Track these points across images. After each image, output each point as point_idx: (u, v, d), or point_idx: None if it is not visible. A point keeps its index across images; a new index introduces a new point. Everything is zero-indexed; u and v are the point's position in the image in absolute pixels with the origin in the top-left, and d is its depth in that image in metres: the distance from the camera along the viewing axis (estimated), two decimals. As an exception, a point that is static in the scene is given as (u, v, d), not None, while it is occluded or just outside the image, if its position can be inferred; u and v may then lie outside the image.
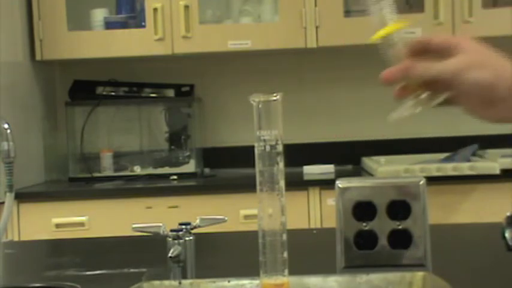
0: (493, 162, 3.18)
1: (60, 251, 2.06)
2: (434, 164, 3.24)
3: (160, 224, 1.36)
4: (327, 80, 3.64)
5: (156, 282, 1.34)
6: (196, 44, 3.46)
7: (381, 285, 1.31)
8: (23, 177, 3.26)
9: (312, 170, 3.45)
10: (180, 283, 1.33)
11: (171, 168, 3.60)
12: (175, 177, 3.50)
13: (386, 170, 3.16)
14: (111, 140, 3.68)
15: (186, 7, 3.45)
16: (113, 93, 3.63)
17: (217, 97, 3.80)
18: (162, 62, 3.74)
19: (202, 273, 1.37)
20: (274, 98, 1.14)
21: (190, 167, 3.60)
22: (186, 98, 3.66)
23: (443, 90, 1.10)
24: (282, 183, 1.14)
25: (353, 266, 1.37)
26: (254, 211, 1.18)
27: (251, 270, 1.23)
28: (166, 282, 1.34)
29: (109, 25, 3.57)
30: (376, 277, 1.32)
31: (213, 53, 3.56)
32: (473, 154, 3.41)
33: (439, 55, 1.12)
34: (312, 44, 3.44)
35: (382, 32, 1.10)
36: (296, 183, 3.22)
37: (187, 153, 3.64)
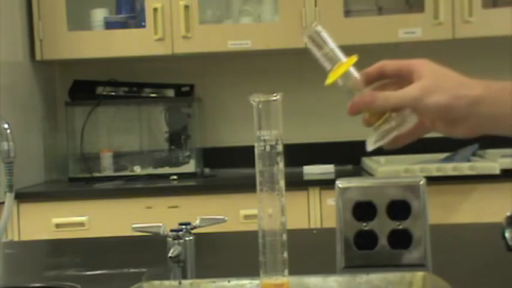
0: (493, 162, 3.18)
1: (60, 251, 2.06)
2: (434, 164, 3.24)
3: (160, 224, 1.36)
4: (327, 80, 3.64)
5: (156, 282, 1.34)
6: (196, 44, 3.47)
7: (380, 285, 1.31)
8: (23, 177, 3.26)
9: (312, 170, 3.45)
10: (180, 283, 1.33)
11: (171, 168, 3.60)
12: (175, 177, 3.50)
13: (386, 170, 3.16)
14: (111, 140, 3.69)
15: (186, 7, 3.45)
16: (113, 93, 3.63)
17: (217, 97, 3.80)
18: (162, 62, 3.74)
19: (202, 273, 1.37)
20: (274, 98, 1.14)
21: (190, 167, 3.60)
22: (186, 98, 3.66)
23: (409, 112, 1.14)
24: (282, 183, 1.14)
25: (353, 266, 1.37)
26: (254, 211, 1.18)
27: (251, 270, 1.23)
28: (166, 282, 1.34)
29: (109, 25, 3.57)
30: (376, 277, 1.32)
31: (213, 53, 3.56)
32: (473, 154, 3.41)
33: (397, 80, 1.16)
34: (312, 44, 3.44)
35: (335, 74, 1.13)
36: (296, 183, 3.22)
37: (187, 153, 3.64)
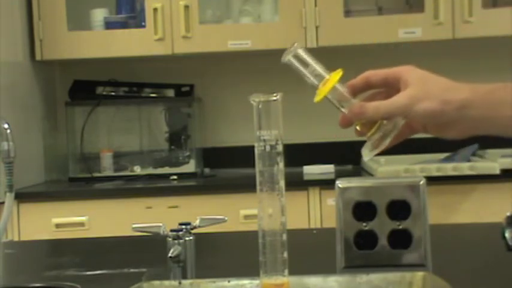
0: (493, 162, 3.18)
1: (60, 251, 2.06)
2: (434, 164, 3.24)
3: (160, 224, 1.36)
4: (327, 80, 3.63)
5: (156, 282, 1.34)
6: (196, 44, 3.46)
7: (381, 285, 1.31)
8: (23, 177, 3.26)
9: (312, 170, 3.45)
10: (180, 283, 1.33)
11: (171, 168, 3.60)
12: (175, 177, 3.50)
13: (386, 170, 3.16)
14: (111, 140, 3.69)
15: (186, 7, 3.45)
16: (113, 93, 3.63)
17: (217, 97, 3.80)
18: (162, 62, 3.74)
19: (202, 273, 1.37)
20: (274, 98, 1.14)
21: (190, 167, 3.60)
22: (186, 98, 3.66)
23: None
24: (282, 183, 1.14)
25: (353, 266, 1.37)
26: (254, 211, 1.18)
27: (251, 270, 1.23)
28: (166, 282, 1.34)
29: (109, 25, 3.57)
30: (376, 277, 1.32)
31: (213, 53, 3.56)
32: (473, 154, 3.41)
33: (384, 89, 1.17)
34: (312, 44, 3.44)
35: (322, 92, 1.15)
36: (296, 183, 3.22)
37: (187, 153, 3.64)
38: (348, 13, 3.53)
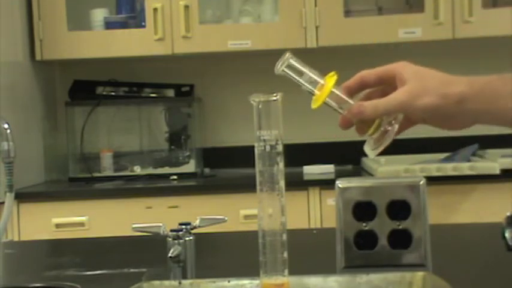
0: (493, 162, 3.18)
1: (60, 251, 2.06)
2: (434, 164, 3.24)
3: (160, 224, 1.36)
4: (327, 80, 3.63)
5: (156, 282, 1.34)
6: (196, 44, 3.47)
7: (381, 285, 1.31)
8: (23, 177, 3.26)
9: (312, 170, 3.45)
10: (180, 283, 1.33)
11: (171, 168, 3.60)
12: (175, 177, 3.50)
13: (386, 170, 3.16)
14: (111, 140, 3.69)
15: (186, 7, 3.45)
16: (113, 93, 3.63)
17: (217, 97, 3.80)
18: (162, 62, 3.74)
19: (202, 273, 1.37)
20: (274, 98, 1.14)
21: (190, 167, 3.60)
22: (186, 98, 3.66)
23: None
24: (282, 183, 1.14)
25: (353, 266, 1.37)
26: (254, 211, 1.18)
27: (251, 270, 1.23)
28: (166, 282, 1.34)
29: (109, 25, 3.57)
30: (376, 277, 1.32)
31: (213, 53, 3.56)
32: (473, 154, 3.41)
33: (380, 87, 1.18)
34: (312, 44, 3.44)
35: (319, 98, 1.16)
36: (296, 183, 3.22)
37: (187, 153, 3.64)
38: (348, 13, 3.53)
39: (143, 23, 3.51)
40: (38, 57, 3.51)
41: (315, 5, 3.44)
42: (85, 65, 3.74)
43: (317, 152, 3.65)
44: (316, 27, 3.44)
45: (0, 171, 1.46)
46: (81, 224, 3.22)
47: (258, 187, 1.14)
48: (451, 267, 1.47)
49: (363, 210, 1.37)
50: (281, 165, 1.14)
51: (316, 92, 1.16)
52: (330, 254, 1.40)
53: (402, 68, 1.16)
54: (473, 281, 1.43)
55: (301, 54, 3.87)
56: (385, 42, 3.45)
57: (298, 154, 3.36)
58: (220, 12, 3.63)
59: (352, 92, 1.18)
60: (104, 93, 3.61)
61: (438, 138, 3.68)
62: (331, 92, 1.16)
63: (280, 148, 1.14)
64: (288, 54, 1.17)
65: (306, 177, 3.37)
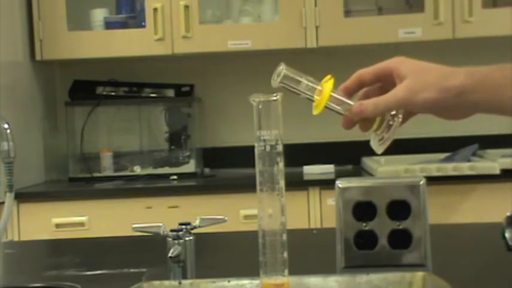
0: (493, 162, 3.18)
1: (60, 251, 2.06)
2: (434, 164, 3.24)
3: (160, 224, 1.36)
4: (327, 80, 3.63)
5: (156, 282, 1.34)
6: (196, 44, 3.46)
7: (381, 285, 1.31)
8: (23, 177, 3.26)
9: (312, 170, 3.45)
10: (180, 283, 1.33)
11: (171, 168, 3.60)
12: (175, 177, 3.50)
13: (386, 170, 3.16)
14: (111, 140, 3.68)
15: (186, 7, 3.45)
16: (113, 93, 3.63)
17: (217, 97, 3.80)
18: (162, 62, 3.74)
19: (202, 273, 1.37)
20: (274, 98, 1.14)
21: (190, 167, 3.60)
22: (186, 98, 3.66)
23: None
24: (282, 183, 1.14)
25: (353, 266, 1.37)
26: (254, 211, 1.18)
27: (251, 270, 1.23)
28: (166, 282, 1.34)
29: (109, 25, 3.57)
30: (376, 277, 1.32)
31: (213, 53, 3.56)
32: (473, 154, 3.41)
33: (378, 85, 1.19)
34: (312, 44, 3.44)
35: (320, 103, 1.17)
36: (296, 183, 3.22)
37: (187, 153, 3.64)
38: (348, 13, 3.53)
39: (143, 23, 3.51)
40: (38, 57, 3.51)
41: (315, 5, 3.44)
42: (85, 65, 3.74)
43: (317, 152, 3.65)
44: (316, 27, 3.44)
45: (0, 171, 1.46)
46: (81, 224, 3.22)
47: (258, 187, 1.14)
48: (451, 267, 1.47)
49: (363, 210, 1.37)
50: (281, 165, 1.14)
51: (316, 98, 1.17)
52: (330, 254, 1.40)
53: (399, 63, 1.17)
54: (473, 281, 1.43)
55: (301, 54, 3.88)
56: (385, 42, 3.45)
57: (298, 154, 3.36)
58: (220, 12, 3.63)
59: (350, 92, 1.19)
60: (104, 93, 3.61)
61: (438, 138, 3.68)
62: (331, 96, 1.16)
63: (280, 148, 1.14)
64: (282, 66, 1.17)
65: (306, 177, 3.37)
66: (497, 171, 3.13)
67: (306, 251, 1.71)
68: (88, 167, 3.58)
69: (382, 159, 3.44)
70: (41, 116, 3.64)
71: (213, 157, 3.73)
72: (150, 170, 3.60)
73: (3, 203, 1.44)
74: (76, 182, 3.54)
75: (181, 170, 3.58)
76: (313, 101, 1.18)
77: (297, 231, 1.59)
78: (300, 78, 1.18)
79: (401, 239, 1.36)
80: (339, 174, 3.32)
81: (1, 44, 3.27)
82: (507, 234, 1.28)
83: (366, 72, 1.19)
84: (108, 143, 3.67)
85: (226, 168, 3.66)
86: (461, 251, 1.72)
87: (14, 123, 1.46)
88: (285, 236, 1.15)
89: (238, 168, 3.54)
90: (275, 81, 1.17)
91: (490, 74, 1.14)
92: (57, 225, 3.21)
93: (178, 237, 1.34)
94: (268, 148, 1.13)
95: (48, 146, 3.65)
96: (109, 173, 3.59)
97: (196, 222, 1.37)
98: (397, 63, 1.17)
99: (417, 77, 1.14)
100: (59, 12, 3.50)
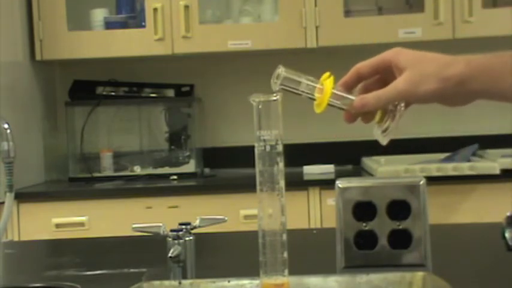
0: (493, 162, 3.18)
1: (60, 251, 2.06)
2: (434, 164, 3.24)
3: (160, 224, 1.36)
4: (327, 80, 3.63)
5: (156, 282, 1.34)
6: (196, 44, 3.47)
7: (381, 285, 1.31)
8: (23, 177, 3.26)
9: (312, 170, 3.45)
10: (180, 283, 1.33)
11: (171, 168, 3.60)
12: (175, 177, 3.50)
13: (386, 170, 3.16)
14: (111, 140, 3.68)
15: (186, 7, 3.45)
16: (113, 93, 3.63)
17: (217, 97, 3.80)
18: (162, 62, 3.74)
19: (202, 273, 1.37)
20: (274, 98, 1.14)
21: (190, 167, 3.60)
22: (186, 98, 3.66)
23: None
24: (282, 183, 1.14)
25: (353, 266, 1.37)
26: (254, 211, 1.18)
27: (251, 270, 1.23)
28: (166, 282, 1.34)
29: (109, 25, 3.57)
30: (376, 277, 1.32)
31: (213, 53, 3.56)
32: (473, 154, 3.41)
33: (378, 77, 1.19)
34: (312, 44, 3.44)
35: (322, 102, 1.17)
36: (296, 183, 3.22)
37: (187, 153, 3.64)
38: (348, 13, 3.53)
39: (143, 23, 3.51)
40: (38, 57, 3.51)
41: (315, 5, 3.44)
42: (85, 65, 3.74)
43: (317, 152, 3.65)
44: (316, 27, 3.44)
45: (0, 171, 1.46)
46: (81, 224, 3.22)
47: (258, 187, 1.14)
48: (451, 267, 1.47)
49: (363, 210, 1.37)
50: (281, 165, 1.14)
51: (317, 96, 1.17)
52: (330, 254, 1.40)
53: (398, 55, 1.17)
54: (473, 281, 1.43)
55: (301, 54, 3.88)
56: (385, 42, 3.44)
57: (298, 154, 3.36)
58: (220, 12, 3.63)
59: (350, 87, 1.19)
60: (104, 93, 3.61)
61: (438, 138, 3.68)
62: (332, 93, 1.16)
63: (280, 148, 1.14)
64: (280, 69, 1.17)
65: (306, 177, 3.37)
66: (497, 171, 3.13)
67: (306, 251, 1.71)
68: (88, 167, 3.58)
69: (382, 159, 3.44)
70: (41, 116, 3.64)
71: (213, 157, 3.73)
72: (150, 170, 3.60)
73: (3, 203, 1.44)
74: (76, 182, 3.54)
75: (181, 170, 3.58)
76: (314, 99, 1.18)
77: (297, 231, 1.59)
78: (299, 79, 1.18)
79: (401, 239, 1.36)
80: (339, 174, 3.32)
81: (1, 44, 3.27)
82: (507, 234, 1.28)
83: (364, 65, 1.19)
84: (108, 143, 3.67)
85: (226, 168, 3.66)
86: (461, 251, 1.72)
87: (14, 123, 1.46)
88: (285, 236, 1.15)
89: (238, 168, 3.54)
90: (275, 84, 1.17)
91: (489, 62, 1.15)
92: (57, 225, 3.21)
93: (178, 237, 1.34)
94: (268, 148, 1.13)
95: (48, 146, 3.65)
96: (109, 173, 3.59)
97: (196, 222, 1.37)
98: (395, 54, 1.17)
99: (416, 68, 1.14)
100: (59, 12, 3.50)
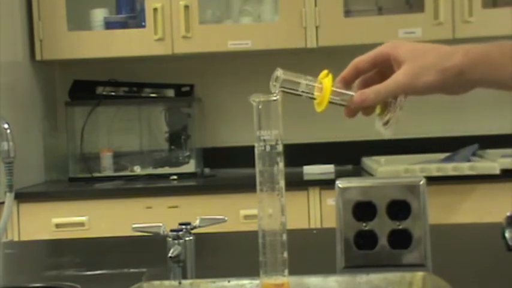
0: (493, 162, 3.18)
1: (60, 251, 2.06)
2: (434, 164, 3.24)
3: (160, 224, 1.36)
4: (327, 80, 3.63)
5: (156, 282, 1.34)
6: (196, 44, 3.47)
7: (380, 285, 1.31)
8: (23, 177, 3.26)
9: (312, 170, 3.45)
10: (180, 283, 1.33)
11: (171, 168, 3.60)
12: (175, 177, 3.50)
13: (386, 170, 3.16)
14: (111, 140, 3.68)
15: (186, 7, 3.45)
16: (113, 93, 3.63)
17: (217, 97, 3.80)
18: (162, 62, 3.74)
19: (202, 273, 1.37)
20: (274, 98, 1.14)
21: (190, 167, 3.60)
22: (186, 98, 3.66)
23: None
24: (282, 183, 1.14)
25: (353, 266, 1.37)
26: (254, 211, 1.18)
27: (251, 270, 1.23)
28: (166, 282, 1.34)
29: (109, 25, 3.57)
30: (376, 277, 1.32)
31: (213, 53, 3.56)
32: (473, 154, 3.41)
33: (376, 70, 1.19)
34: (312, 44, 3.44)
35: (323, 101, 1.17)
36: (296, 183, 3.22)
37: (187, 153, 3.64)
38: (348, 13, 3.53)
39: (143, 23, 3.51)
40: (38, 57, 3.51)
41: (315, 5, 3.44)
42: (85, 65, 3.74)
43: (317, 152, 3.65)
44: (316, 27, 3.44)
45: (0, 171, 1.46)
46: (81, 224, 3.22)
47: (258, 187, 1.14)
48: (451, 267, 1.47)
49: (363, 210, 1.37)
50: (281, 165, 1.14)
51: (317, 95, 1.17)
52: (330, 254, 1.40)
53: (395, 48, 1.17)
54: (473, 281, 1.43)
55: (301, 54, 3.87)
56: (385, 42, 3.44)
57: (298, 154, 3.36)
58: (220, 12, 3.63)
59: (349, 82, 1.20)
60: (104, 93, 3.61)
61: (438, 138, 3.68)
62: (331, 91, 1.17)
63: (280, 148, 1.14)
64: (279, 71, 1.17)
65: (306, 177, 3.37)
66: (497, 171, 3.13)
67: (306, 251, 1.71)
68: (88, 167, 3.58)
69: (382, 159, 3.44)
70: (41, 116, 3.64)
71: (213, 157, 3.73)
72: (150, 170, 3.60)
73: (3, 203, 1.44)
74: (76, 182, 3.54)
75: (181, 170, 3.58)
76: (314, 99, 1.18)
77: (297, 231, 1.59)
78: (298, 80, 1.18)
79: (401, 239, 1.36)
80: (339, 174, 3.33)
81: (1, 44, 3.27)
82: (507, 234, 1.28)
83: (362, 60, 1.19)
84: (108, 143, 3.67)
85: (226, 168, 3.66)
86: (461, 251, 1.72)
87: (14, 123, 1.46)
88: (285, 236, 1.15)
89: (238, 168, 3.54)
90: (274, 87, 1.17)
91: (488, 52, 1.15)
92: (57, 225, 3.21)
93: (178, 237, 1.34)
94: (268, 148, 1.13)
95: (48, 146, 3.65)
96: (109, 173, 3.59)
97: (196, 222, 1.37)
98: (393, 47, 1.17)
99: (415, 61, 1.14)
100: (59, 12, 3.50)
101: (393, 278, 1.32)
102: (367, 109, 1.19)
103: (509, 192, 3.01)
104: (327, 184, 3.14)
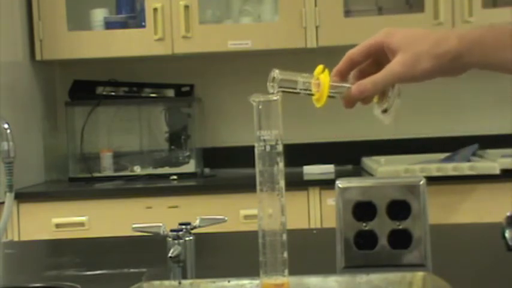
0: (493, 162, 3.18)
1: (60, 251, 2.06)
2: (434, 164, 3.24)
3: (160, 224, 1.36)
4: (327, 80, 3.63)
5: (156, 282, 1.34)
6: (196, 44, 3.47)
7: (381, 285, 1.31)
8: (23, 177, 3.26)
9: (312, 170, 3.45)
10: (180, 283, 1.33)
11: (171, 168, 3.60)
12: (175, 177, 3.50)
13: (386, 170, 3.16)
14: (111, 140, 3.68)
15: (186, 7, 3.45)
16: (113, 93, 3.63)
17: (217, 97, 3.80)
18: (162, 62, 3.74)
19: (202, 273, 1.37)
20: (274, 98, 1.14)
21: (190, 167, 3.60)
22: (186, 98, 3.66)
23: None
24: (282, 183, 1.14)
25: (353, 266, 1.37)
26: (254, 211, 1.18)
27: (251, 270, 1.23)
28: (166, 282, 1.34)
29: (109, 25, 3.57)
30: (376, 277, 1.32)
31: (213, 53, 3.56)
32: (473, 154, 3.41)
33: (371, 61, 1.19)
34: (312, 44, 3.44)
35: (322, 96, 1.17)
36: (296, 183, 3.22)
37: (187, 153, 3.64)
38: (348, 13, 3.53)
39: (143, 23, 3.51)
40: (38, 57, 3.51)
41: (315, 5, 3.44)
42: (85, 65, 3.74)
43: (317, 152, 3.65)
44: (316, 27, 3.44)
45: (0, 171, 1.46)
46: (81, 224, 3.22)
47: (258, 187, 1.14)
48: (451, 267, 1.47)
49: (363, 210, 1.37)
50: (281, 165, 1.14)
51: (315, 91, 1.17)
52: (330, 254, 1.40)
53: (388, 37, 1.17)
54: (473, 281, 1.43)
55: (301, 54, 3.87)
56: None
57: (298, 154, 3.36)
58: (220, 12, 3.63)
59: (344, 75, 1.20)
60: (104, 93, 3.61)
61: (438, 138, 3.68)
62: (329, 85, 1.17)
63: (280, 148, 1.14)
64: (275, 72, 1.17)
65: (306, 177, 3.37)
66: (497, 171, 3.13)
67: (306, 251, 1.71)
68: (88, 167, 3.58)
69: (382, 159, 3.44)
70: (41, 116, 3.64)
71: (213, 157, 3.73)
72: (150, 170, 3.60)
73: (3, 203, 1.44)
74: (76, 182, 3.54)
75: (181, 170, 3.58)
76: (313, 95, 1.18)
77: (297, 231, 1.59)
78: (295, 78, 1.18)
79: (401, 239, 1.36)
80: (339, 174, 3.32)
81: (1, 44, 3.27)
82: (507, 234, 1.28)
83: (356, 52, 1.19)
84: (108, 143, 3.67)
85: (226, 168, 3.66)
86: (461, 251, 1.72)
87: (14, 123, 1.46)
88: (285, 236, 1.15)
89: (238, 168, 3.54)
90: (272, 87, 1.16)
91: (482, 39, 1.15)
92: (57, 225, 3.21)
93: (178, 237, 1.34)
94: (268, 148, 1.13)
95: (48, 146, 3.65)
96: (109, 173, 3.59)
97: (196, 222, 1.37)
98: (386, 36, 1.17)
99: (410, 49, 1.14)
100: (59, 12, 3.50)
101: (393, 278, 1.32)
102: (365, 99, 1.18)
103: (509, 192, 3.01)
104: (327, 184, 3.14)
